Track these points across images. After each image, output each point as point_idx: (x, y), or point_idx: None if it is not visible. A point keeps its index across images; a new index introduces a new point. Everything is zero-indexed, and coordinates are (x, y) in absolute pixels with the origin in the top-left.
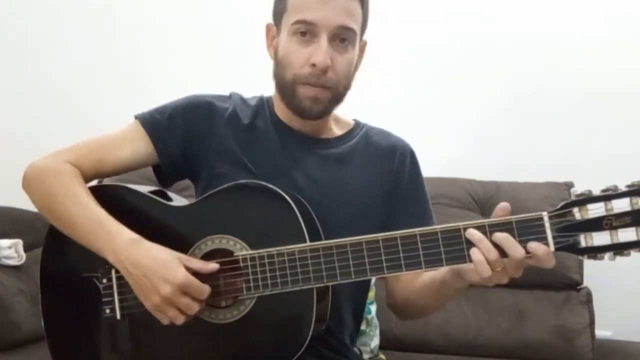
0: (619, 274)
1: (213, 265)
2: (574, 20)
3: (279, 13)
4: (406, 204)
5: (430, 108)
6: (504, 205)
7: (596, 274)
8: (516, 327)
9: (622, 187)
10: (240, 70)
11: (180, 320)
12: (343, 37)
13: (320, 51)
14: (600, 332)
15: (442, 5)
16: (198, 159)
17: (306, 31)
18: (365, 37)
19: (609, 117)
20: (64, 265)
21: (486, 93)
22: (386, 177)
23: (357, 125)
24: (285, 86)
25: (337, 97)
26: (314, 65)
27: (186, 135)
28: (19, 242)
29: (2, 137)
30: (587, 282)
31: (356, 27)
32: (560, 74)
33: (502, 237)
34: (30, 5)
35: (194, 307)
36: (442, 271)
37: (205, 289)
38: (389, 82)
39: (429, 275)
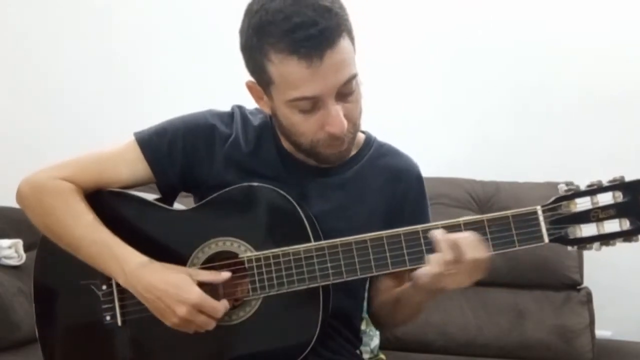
0: (619, 274)
1: (225, 274)
2: (574, 20)
3: (263, 80)
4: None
5: (430, 108)
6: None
7: (596, 274)
8: (516, 327)
9: (605, 182)
10: (241, 73)
11: (201, 331)
12: (347, 85)
13: (334, 120)
14: (600, 332)
15: (443, 5)
16: (197, 182)
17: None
18: (365, 37)
19: (609, 117)
20: (59, 273)
21: (486, 93)
22: (389, 201)
23: (367, 142)
24: (303, 148)
25: (357, 133)
26: (329, 133)
27: (186, 162)
28: (19, 242)
29: (2, 137)
30: (587, 282)
31: (354, 66)
32: (561, 74)
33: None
34: (30, 6)
35: (211, 324)
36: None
37: (219, 307)
38: (389, 82)
39: (400, 288)
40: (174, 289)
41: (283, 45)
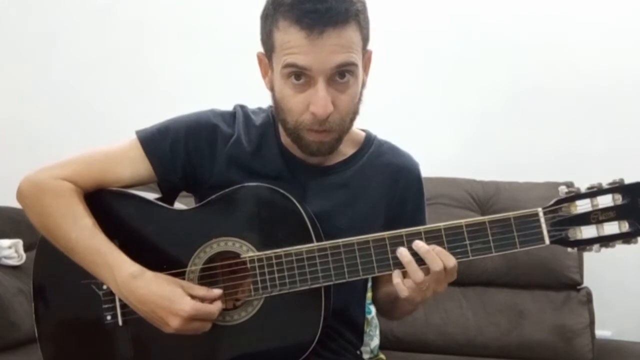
0: (619, 274)
1: (216, 292)
2: (575, 21)
3: (267, 49)
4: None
5: (430, 108)
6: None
7: (596, 273)
8: (516, 327)
9: (605, 185)
10: (241, 73)
11: (198, 333)
12: (343, 72)
13: (318, 100)
14: (600, 332)
15: (440, 6)
16: (198, 182)
17: (300, 74)
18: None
19: (609, 116)
20: (59, 273)
21: (486, 93)
22: (390, 199)
23: (368, 140)
24: (289, 130)
25: (345, 133)
26: (312, 113)
27: (188, 162)
28: (19, 242)
29: (2, 137)
30: (587, 282)
31: (356, 56)
32: (561, 74)
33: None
34: (31, 5)
35: (207, 327)
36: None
37: (213, 311)
38: (388, 83)
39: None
40: (167, 302)
41: (290, 13)
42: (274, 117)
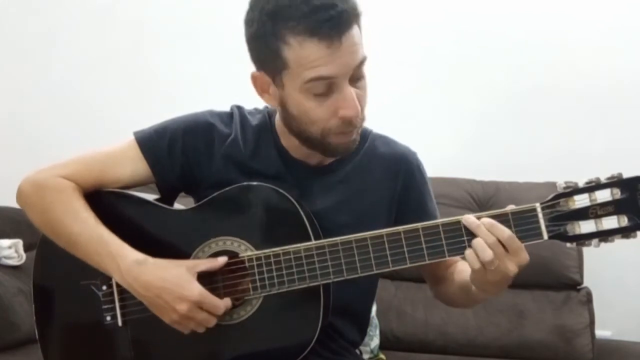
0: (619, 274)
1: (221, 260)
2: (573, 20)
3: (275, 68)
4: (414, 217)
5: (429, 108)
6: None
7: (596, 273)
8: (516, 327)
9: (603, 179)
10: (240, 73)
11: (201, 330)
12: (360, 69)
13: (349, 103)
14: (600, 332)
15: (440, 5)
16: (196, 181)
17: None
18: (365, 36)
19: (609, 116)
20: (59, 273)
21: (486, 93)
22: (392, 190)
23: (364, 135)
24: (314, 140)
25: (363, 125)
26: (343, 117)
27: (186, 162)
28: (19, 242)
29: (2, 137)
30: (587, 282)
31: (364, 50)
32: (562, 74)
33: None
34: (31, 5)
35: (211, 321)
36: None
37: (219, 304)
38: (388, 82)
39: (461, 281)
40: (174, 286)
41: (303, 27)
42: (271, 117)
